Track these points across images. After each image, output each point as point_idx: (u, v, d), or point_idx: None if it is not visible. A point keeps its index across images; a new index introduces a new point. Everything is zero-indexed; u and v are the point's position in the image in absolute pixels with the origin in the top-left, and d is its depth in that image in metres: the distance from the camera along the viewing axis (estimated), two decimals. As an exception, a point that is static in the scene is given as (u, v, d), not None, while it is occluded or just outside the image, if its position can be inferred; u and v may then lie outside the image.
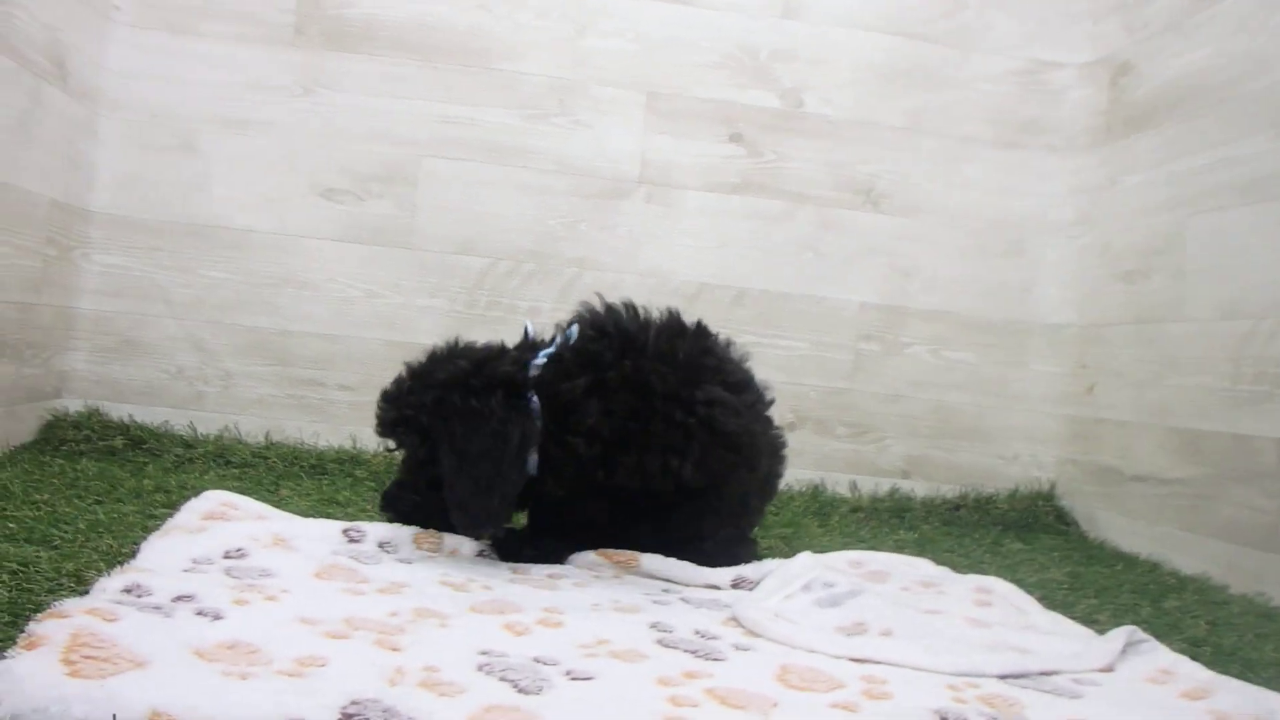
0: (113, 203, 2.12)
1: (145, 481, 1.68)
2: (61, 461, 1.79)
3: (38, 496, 1.46)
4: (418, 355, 1.49)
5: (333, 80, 2.18)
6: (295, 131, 2.17)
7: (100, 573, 1.08)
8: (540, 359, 1.44)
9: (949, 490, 2.30)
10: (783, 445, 1.63)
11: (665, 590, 1.34)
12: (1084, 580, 1.70)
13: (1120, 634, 1.18)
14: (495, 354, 1.46)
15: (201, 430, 2.10)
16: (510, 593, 1.22)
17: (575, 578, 1.35)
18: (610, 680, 0.93)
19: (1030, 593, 1.46)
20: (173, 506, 1.45)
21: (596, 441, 1.40)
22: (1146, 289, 2.06)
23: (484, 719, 0.80)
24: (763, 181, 2.30)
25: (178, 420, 2.11)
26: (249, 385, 2.17)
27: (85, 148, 2.06)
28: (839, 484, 2.29)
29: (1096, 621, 1.39)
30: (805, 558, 1.41)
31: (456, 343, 1.50)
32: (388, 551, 1.35)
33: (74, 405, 2.08)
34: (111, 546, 1.23)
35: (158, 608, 0.96)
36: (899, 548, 1.79)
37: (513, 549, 1.44)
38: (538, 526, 1.52)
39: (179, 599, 1.00)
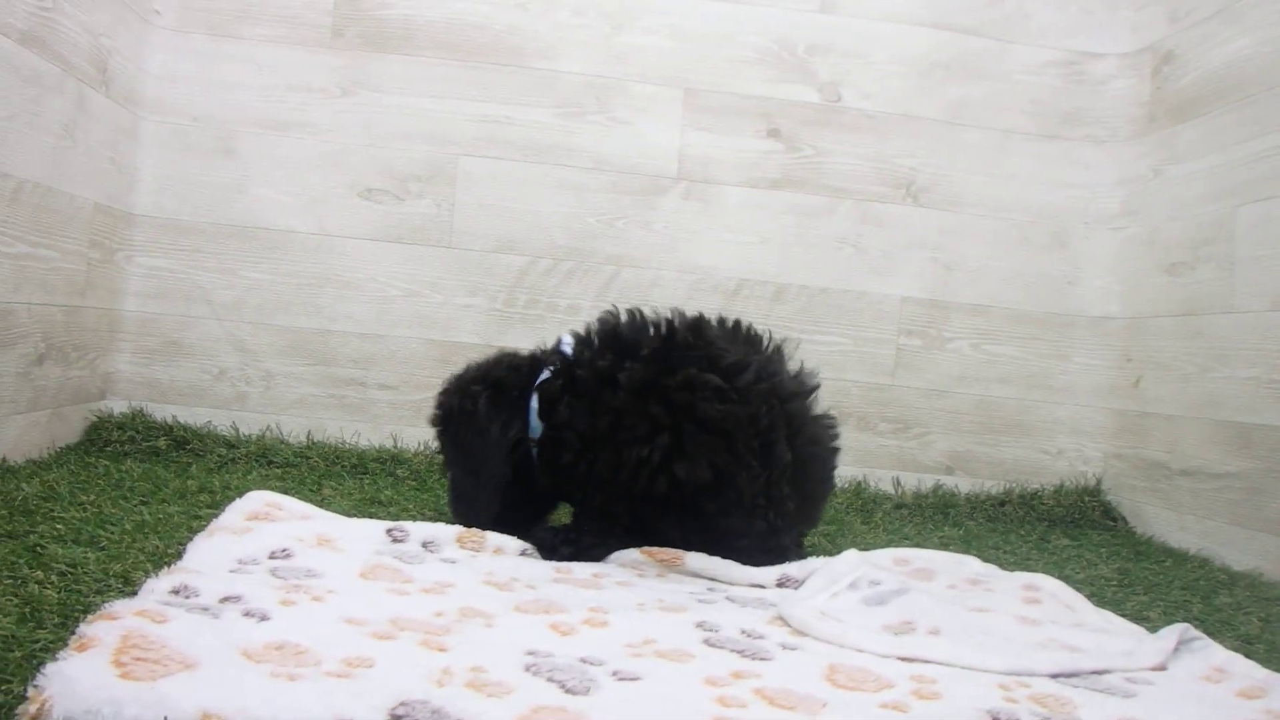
0: (155, 205, 2.14)
1: (189, 482, 1.69)
2: (107, 462, 1.80)
3: (84, 497, 1.48)
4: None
5: (371, 81, 2.19)
6: (334, 132, 2.18)
7: (147, 574, 1.09)
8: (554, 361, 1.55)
9: (993, 486, 2.28)
10: (829, 430, 1.61)
11: (710, 589, 1.33)
12: (1133, 577, 1.67)
13: (1173, 631, 1.16)
14: (506, 360, 1.60)
15: (244, 430, 2.12)
16: (554, 592, 1.21)
17: (618, 576, 1.34)
18: (657, 680, 0.92)
19: (1079, 590, 1.43)
20: (217, 507, 1.46)
21: (574, 437, 1.47)
22: (1193, 280, 2.03)
23: (532, 720, 0.80)
24: (802, 176, 2.28)
25: (220, 421, 2.13)
26: (290, 385, 2.18)
27: (127, 151, 2.08)
28: (882, 480, 2.27)
29: (1147, 619, 1.37)
30: (851, 555, 1.40)
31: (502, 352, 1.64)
32: (431, 551, 1.35)
33: (118, 406, 2.11)
34: (158, 547, 1.24)
35: (205, 609, 0.97)
36: (944, 545, 1.78)
37: (550, 546, 1.46)
38: (576, 525, 1.54)
39: (226, 600, 1.00)
